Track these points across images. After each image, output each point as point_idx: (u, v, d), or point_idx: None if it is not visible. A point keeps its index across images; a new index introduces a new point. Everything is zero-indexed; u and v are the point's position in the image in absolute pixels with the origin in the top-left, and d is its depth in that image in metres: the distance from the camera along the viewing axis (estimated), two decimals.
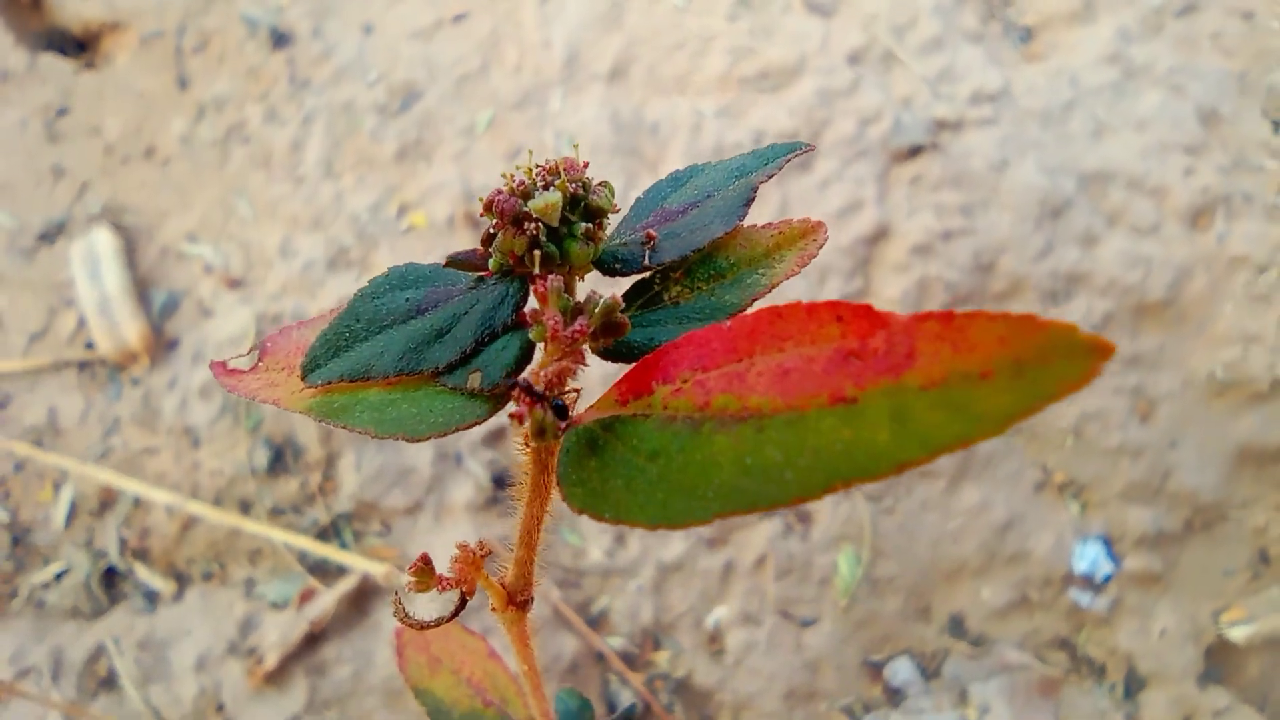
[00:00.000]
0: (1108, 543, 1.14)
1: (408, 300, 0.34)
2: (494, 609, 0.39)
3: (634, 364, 0.31)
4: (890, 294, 1.19)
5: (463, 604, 0.35)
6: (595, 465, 0.30)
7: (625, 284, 0.34)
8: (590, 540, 1.08)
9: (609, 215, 0.32)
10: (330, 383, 0.36)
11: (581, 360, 0.29)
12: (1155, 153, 1.25)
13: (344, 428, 0.34)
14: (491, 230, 0.32)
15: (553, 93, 1.25)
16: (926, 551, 1.11)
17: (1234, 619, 1.12)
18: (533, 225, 0.31)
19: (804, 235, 0.34)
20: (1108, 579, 1.13)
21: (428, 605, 0.99)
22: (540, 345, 0.31)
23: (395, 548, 1.07)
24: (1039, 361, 0.23)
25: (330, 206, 1.20)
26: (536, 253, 0.30)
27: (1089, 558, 1.13)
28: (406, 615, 0.35)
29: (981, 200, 1.21)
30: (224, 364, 0.42)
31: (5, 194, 1.17)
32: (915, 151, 1.22)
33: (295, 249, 1.18)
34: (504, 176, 0.32)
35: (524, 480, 0.35)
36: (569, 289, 0.32)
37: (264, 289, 1.17)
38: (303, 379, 0.37)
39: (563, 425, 0.29)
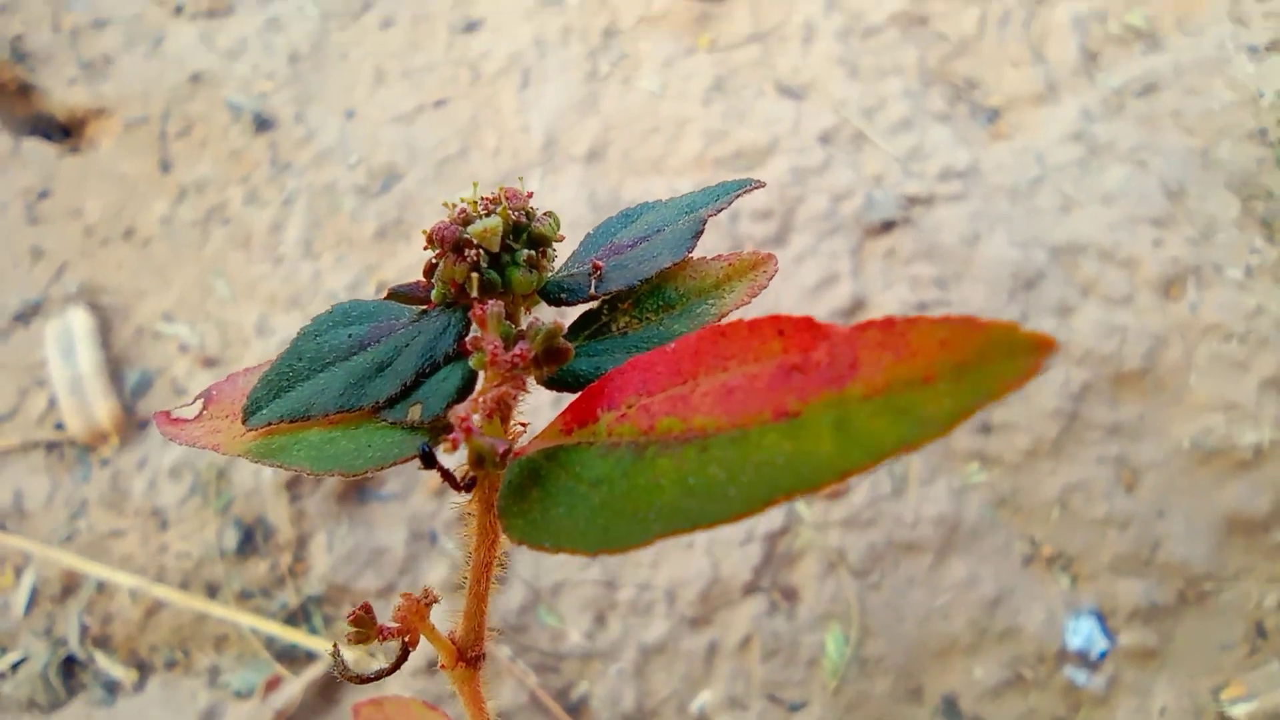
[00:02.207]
0: (1100, 617, 1.11)
1: (350, 336, 0.34)
2: (443, 666, 0.37)
3: (579, 393, 0.31)
4: None
5: (404, 655, 0.33)
6: (537, 495, 0.29)
7: (573, 315, 0.33)
8: (569, 622, 1.04)
9: (553, 245, 0.32)
10: (271, 424, 0.35)
11: (523, 387, 0.29)
12: (1124, 226, 1.28)
13: (281, 467, 0.33)
14: (434, 260, 0.32)
15: (531, 174, 1.27)
16: (915, 629, 1.08)
17: (1234, 696, 1.09)
18: (473, 252, 0.30)
19: (754, 267, 0.34)
20: (1103, 655, 1.10)
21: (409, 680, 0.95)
22: (482, 374, 0.30)
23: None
24: (980, 362, 0.22)
25: (308, 285, 1.20)
26: (475, 277, 0.30)
27: (1082, 633, 1.10)
28: (345, 669, 0.33)
29: (955, 273, 1.22)
30: (168, 413, 0.41)
31: None
32: (888, 226, 1.24)
33: (272, 327, 1.18)
34: (445, 205, 0.31)
35: (468, 522, 0.34)
36: (513, 318, 0.31)
37: (239, 367, 1.16)
38: (243, 422, 0.36)
39: (501, 452, 0.28)
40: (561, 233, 0.33)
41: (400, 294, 0.33)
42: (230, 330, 1.18)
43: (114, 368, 1.14)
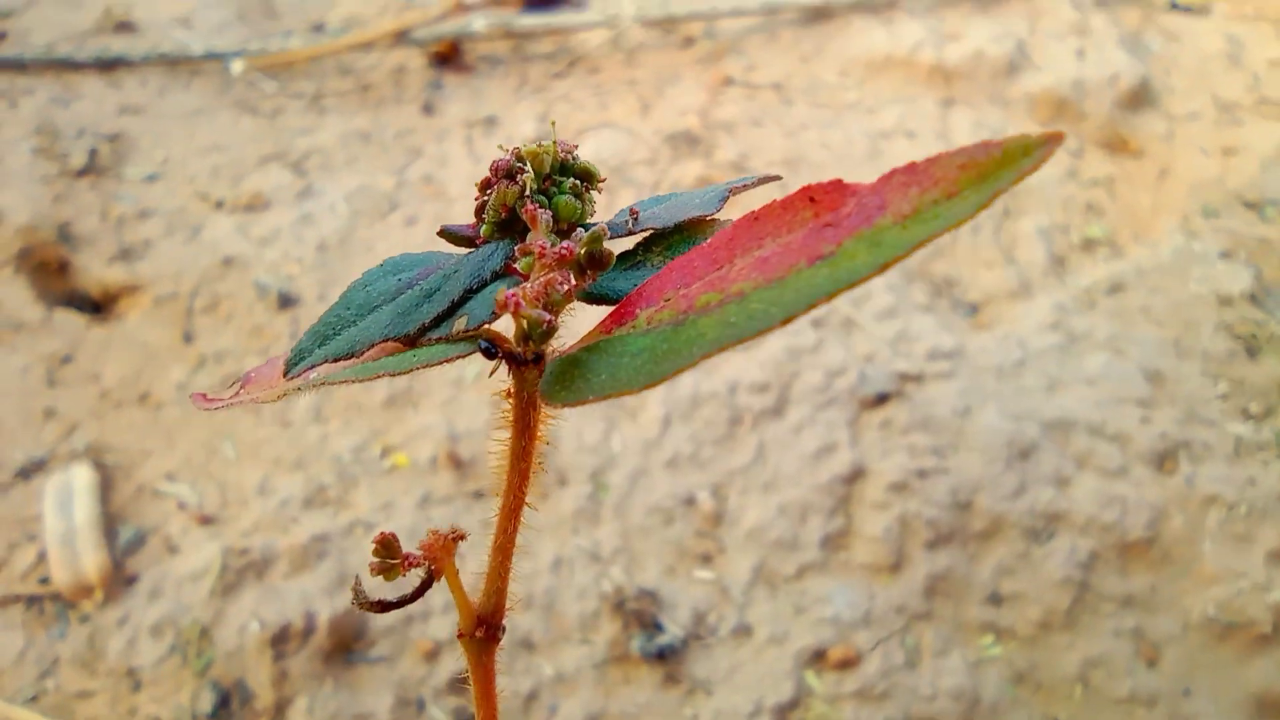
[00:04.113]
0: None
1: (399, 280, 0.36)
2: (460, 634, 0.36)
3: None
4: (872, 531, 1.18)
5: (427, 584, 0.32)
6: (578, 374, 0.30)
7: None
8: None
9: (596, 183, 0.35)
10: (314, 367, 0.36)
11: (568, 280, 0.31)
12: (1110, 404, 1.32)
13: (322, 384, 0.34)
14: (484, 197, 0.34)
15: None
16: None
17: None
18: (524, 177, 0.33)
19: None
20: None
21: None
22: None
23: None
24: (999, 168, 0.25)
25: (314, 448, 1.22)
26: (526, 198, 0.33)
27: None
28: (364, 598, 0.32)
29: (951, 443, 1.25)
30: (204, 395, 0.42)
31: None
32: (882, 399, 1.28)
33: (273, 488, 1.18)
34: (500, 148, 0.35)
35: (502, 452, 0.34)
36: None
37: (236, 526, 1.14)
38: (286, 374, 0.37)
39: (547, 323, 0.29)
40: (599, 185, 0.36)
41: (450, 233, 0.36)
42: (230, 490, 1.18)
43: (109, 523, 1.12)
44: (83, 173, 1.41)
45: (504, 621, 0.36)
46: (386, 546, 0.31)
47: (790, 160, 1.63)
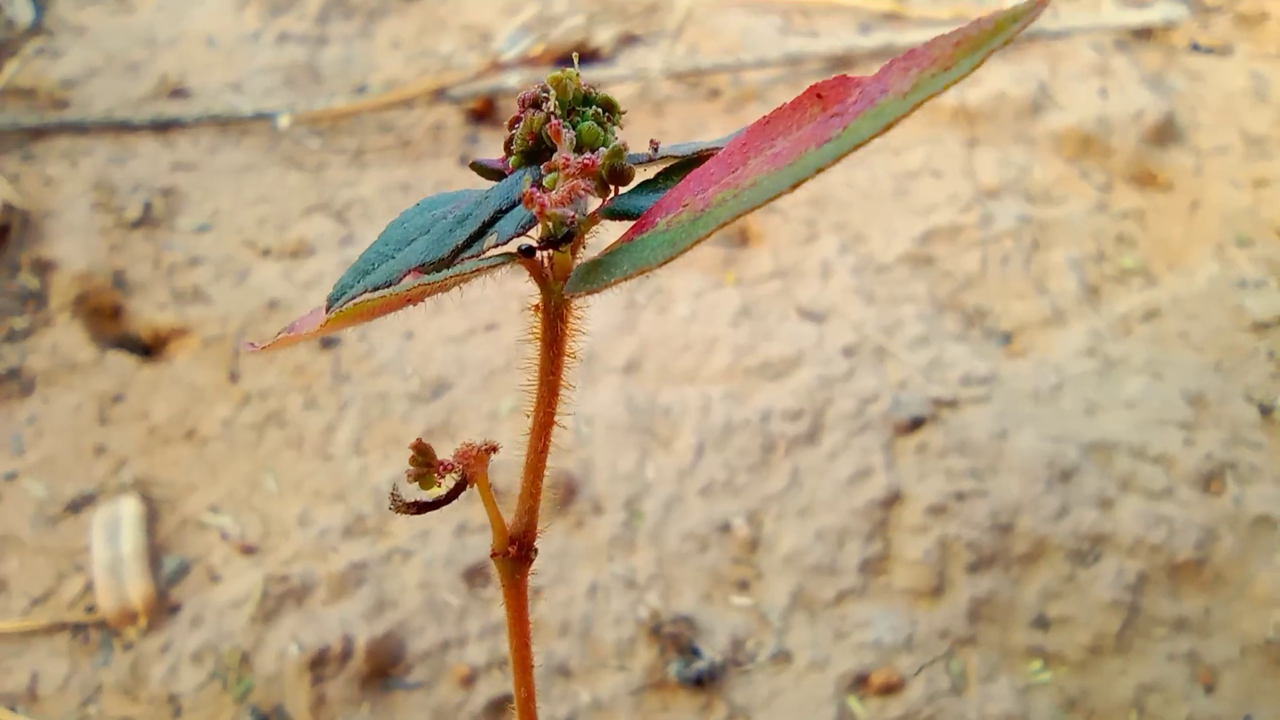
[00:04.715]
0: None
1: (433, 215, 0.38)
2: (493, 553, 0.37)
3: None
4: (911, 555, 1.16)
5: (460, 488, 0.34)
6: (601, 269, 0.32)
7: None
8: None
9: (618, 115, 0.37)
10: (356, 300, 0.38)
11: (591, 189, 0.32)
12: (1151, 426, 1.30)
13: (353, 300, 0.36)
14: (512, 132, 0.37)
15: (573, 385, 1.35)
16: None
17: None
18: (549, 104, 0.35)
19: None
20: None
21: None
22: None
23: None
24: (990, 37, 0.27)
25: (354, 479, 1.24)
26: (552, 120, 0.35)
27: None
28: (399, 501, 0.33)
29: (989, 465, 1.23)
30: (252, 344, 0.45)
31: (46, 467, 1.22)
32: (917, 423, 1.28)
33: (314, 519, 1.19)
34: (522, 86, 0.37)
35: (532, 367, 0.36)
36: None
37: (276, 555, 1.16)
38: (328, 309, 0.39)
39: (571, 220, 0.31)
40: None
41: (481, 165, 0.38)
42: (272, 521, 1.20)
43: (154, 554, 1.15)
44: (137, 224, 1.47)
45: (535, 542, 0.37)
46: (422, 453, 0.33)
47: (816, 199, 1.66)
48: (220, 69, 1.75)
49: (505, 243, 0.33)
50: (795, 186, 0.26)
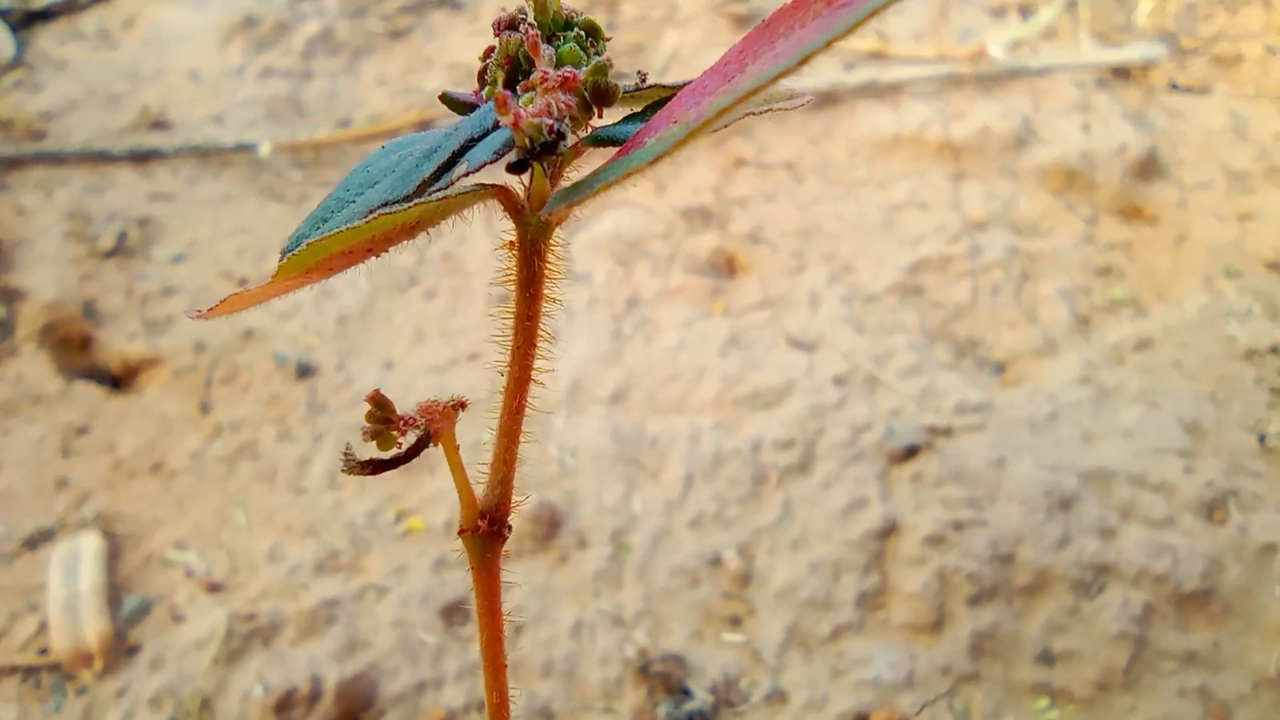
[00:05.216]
0: None
1: (400, 155, 0.35)
2: (461, 530, 0.33)
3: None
4: (910, 588, 1.12)
5: (421, 445, 0.30)
6: (584, 184, 0.28)
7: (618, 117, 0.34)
8: None
9: (601, 40, 0.34)
10: (310, 241, 0.34)
11: (572, 106, 0.29)
12: (1149, 455, 1.27)
13: (312, 245, 0.32)
14: (487, 62, 0.34)
15: (557, 414, 1.31)
16: None
17: None
18: (527, 27, 0.32)
19: (789, 97, 0.36)
20: None
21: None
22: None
23: None
24: None
25: (328, 514, 1.18)
26: (529, 32, 0.31)
27: None
28: (352, 461, 0.30)
29: (987, 494, 1.19)
30: (197, 310, 0.41)
31: (3, 502, 1.16)
32: (911, 452, 1.24)
33: (284, 554, 1.14)
34: (503, 9, 0.34)
35: (506, 316, 0.32)
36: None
37: (244, 593, 1.10)
38: (282, 259, 0.36)
39: (550, 129, 0.28)
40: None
41: (451, 98, 0.35)
42: (240, 557, 1.14)
43: (114, 592, 1.09)
44: (110, 254, 1.44)
45: (508, 518, 0.33)
46: (380, 406, 0.29)
47: (805, 231, 1.64)
48: (203, 102, 1.74)
49: (476, 170, 0.30)
50: (804, 62, 0.23)
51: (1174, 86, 2.17)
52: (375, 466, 0.29)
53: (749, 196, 1.72)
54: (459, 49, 2.02)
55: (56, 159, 1.54)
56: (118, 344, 1.34)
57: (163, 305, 1.39)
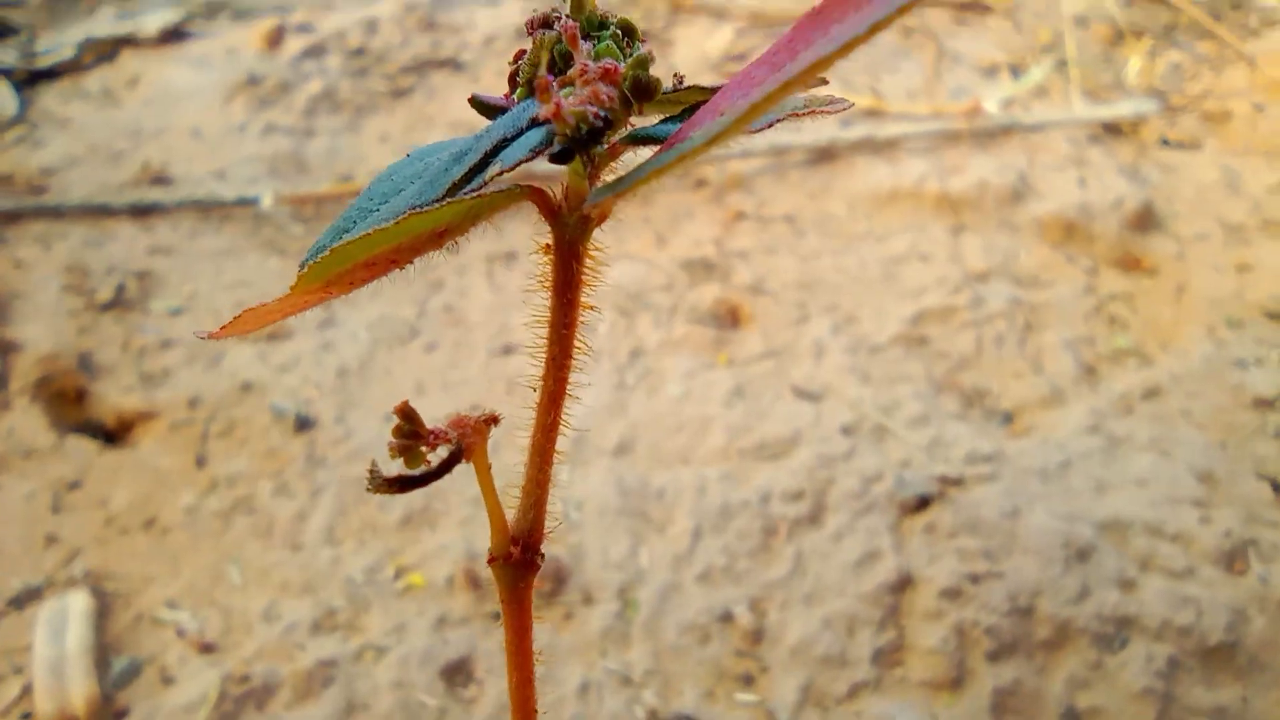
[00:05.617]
0: None
1: (426, 161, 0.34)
2: (491, 557, 0.30)
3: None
4: (927, 643, 1.08)
5: (452, 460, 0.28)
6: (628, 175, 0.27)
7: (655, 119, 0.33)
8: None
9: (638, 39, 0.33)
10: (332, 248, 0.33)
11: (613, 99, 0.28)
12: (1164, 504, 1.25)
13: (335, 246, 0.31)
14: (518, 65, 0.32)
15: (561, 468, 1.28)
16: None
17: None
18: (564, 19, 0.31)
19: (828, 103, 0.35)
20: None
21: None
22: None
23: None
24: None
25: (324, 571, 1.15)
26: (568, 25, 0.30)
27: None
28: (378, 479, 0.28)
29: (1002, 545, 1.17)
30: (209, 332, 0.40)
31: None
32: (924, 502, 1.22)
33: (280, 613, 1.10)
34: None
35: (540, 324, 0.30)
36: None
37: (238, 653, 1.06)
38: (301, 269, 0.34)
39: (594, 116, 0.26)
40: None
41: (481, 101, 0.33)
42: (234, 616, 1.10)
43: (102, 653, 1.04)
44: (108, 307, 1.42)
45: (541, 547, 0.30)
46: (409, 419, 0.27)
47: (806, 283, 1.64)
48: (204, 158, 1.74)
49: (512, 168, 0.29)
50: (874, 30, 0.22)
51: (1165, 142, 2.20)
52: (403, 484, 0.27)
53: (750, 249, 1.73)
54: (460, 108, 2.04)
55: (56, 213, 1.53)
56: (113, 397, 1.31)
57: (160, 358, 1.37)
